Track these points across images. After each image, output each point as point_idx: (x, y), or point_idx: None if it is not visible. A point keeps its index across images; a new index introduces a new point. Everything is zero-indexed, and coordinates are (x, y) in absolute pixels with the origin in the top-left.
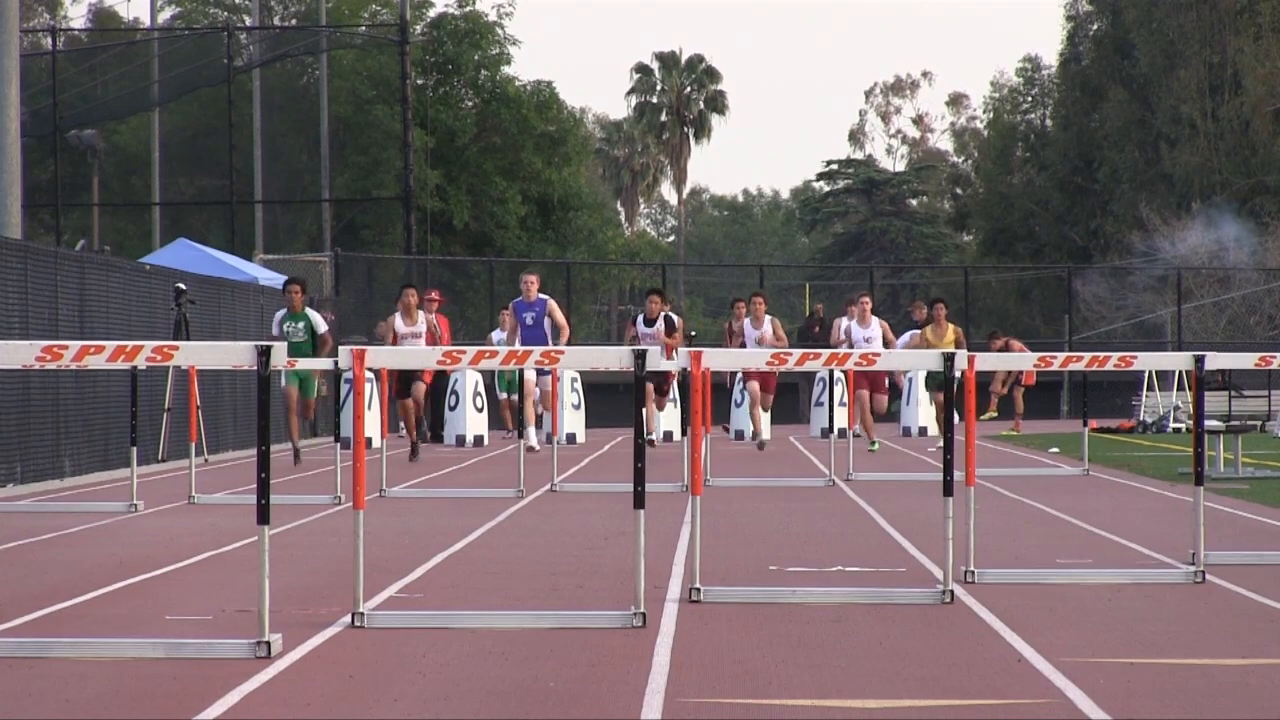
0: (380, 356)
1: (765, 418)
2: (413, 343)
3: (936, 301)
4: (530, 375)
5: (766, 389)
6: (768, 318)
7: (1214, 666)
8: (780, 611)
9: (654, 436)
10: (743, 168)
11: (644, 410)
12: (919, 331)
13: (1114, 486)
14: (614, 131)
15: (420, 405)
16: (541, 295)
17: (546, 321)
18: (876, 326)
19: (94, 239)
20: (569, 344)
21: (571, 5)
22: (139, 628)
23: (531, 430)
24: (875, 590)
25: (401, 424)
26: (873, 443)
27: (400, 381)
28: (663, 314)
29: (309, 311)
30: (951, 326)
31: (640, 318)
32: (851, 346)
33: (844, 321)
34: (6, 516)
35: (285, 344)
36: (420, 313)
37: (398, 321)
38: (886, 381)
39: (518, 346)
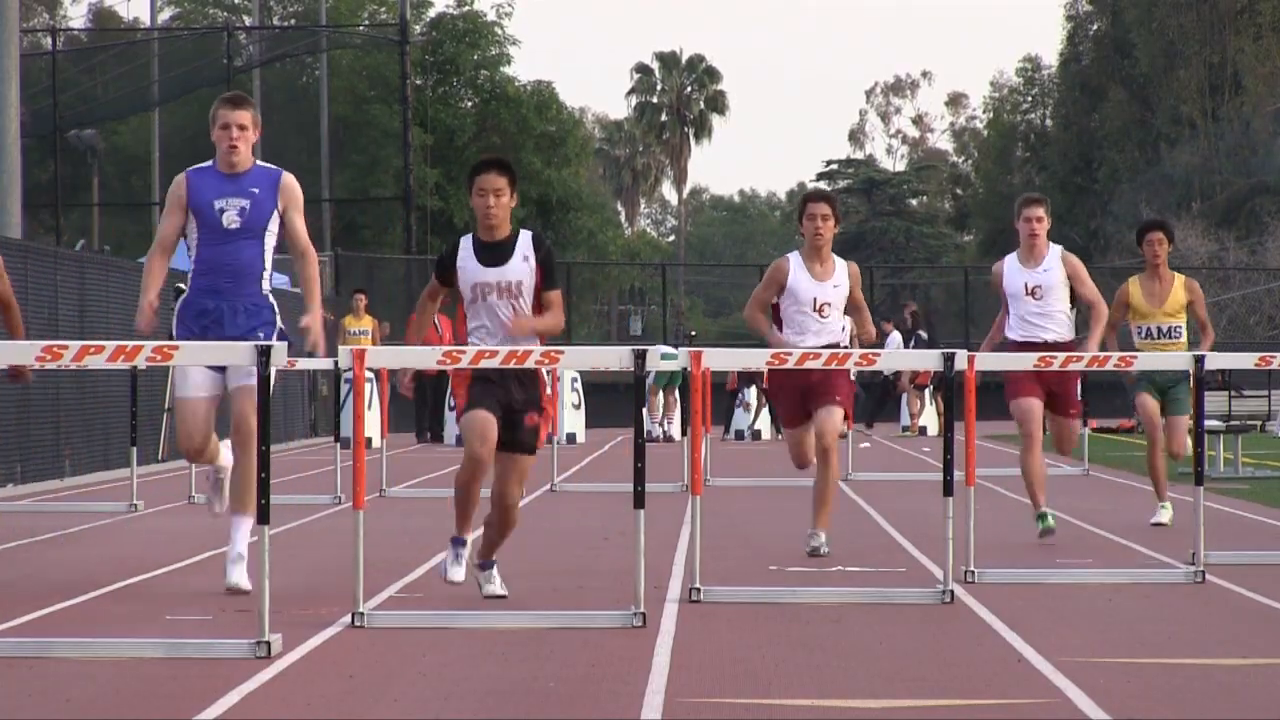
0: (381, 357)
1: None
2: None
3: (1151, 229)
4: (195, 395)
5: (823, 432)
6: (841, 262)
7: (1214, 666)
8: (780, 611)
9: (494, 585)
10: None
11: (468, 511)
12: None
13: (1114, 486)
14: (614, 131)
15: None
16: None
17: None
18: (1058, 266)
19: (94, 239)
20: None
21: (571, 5)
22: (139, 628)
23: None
24: (875, 590)
25: None
26: (1043, 520)
27: None
28: (526, 233)
29: None
30: (1179, 279)
31: (470, 245)
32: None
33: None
34: (6, 516)
35: (284, 344)
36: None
37: None
38: (1078, 391)
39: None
